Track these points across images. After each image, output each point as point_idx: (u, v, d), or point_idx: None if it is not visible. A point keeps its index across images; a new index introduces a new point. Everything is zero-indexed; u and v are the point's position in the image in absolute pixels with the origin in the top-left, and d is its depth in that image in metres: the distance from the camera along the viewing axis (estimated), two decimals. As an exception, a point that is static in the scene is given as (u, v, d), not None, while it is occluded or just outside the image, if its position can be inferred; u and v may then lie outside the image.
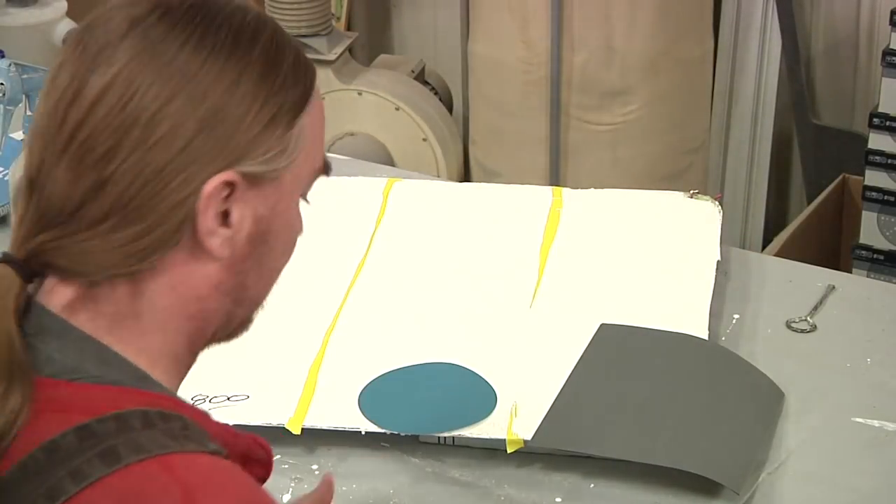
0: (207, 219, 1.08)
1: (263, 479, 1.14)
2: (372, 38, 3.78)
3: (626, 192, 2.11)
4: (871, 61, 3.30)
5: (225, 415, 1.61)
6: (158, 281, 1.08)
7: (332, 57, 3.24)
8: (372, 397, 1.69)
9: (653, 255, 1.95)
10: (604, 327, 1.79)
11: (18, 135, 2.08)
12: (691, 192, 2.09)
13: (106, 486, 1.00)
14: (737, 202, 3.39)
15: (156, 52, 1.06)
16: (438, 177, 3.13)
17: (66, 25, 3.47)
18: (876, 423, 1.69)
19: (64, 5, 3.51)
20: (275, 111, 1.10)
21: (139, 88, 1.06)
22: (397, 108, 3.26)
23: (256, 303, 1.16)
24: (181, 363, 1.12)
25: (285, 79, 1.11)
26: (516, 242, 1.99)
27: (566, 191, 2.10)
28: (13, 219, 1.92)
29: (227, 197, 1.08)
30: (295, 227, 1.16)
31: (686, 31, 3.02)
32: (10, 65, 1.93)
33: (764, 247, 3.19)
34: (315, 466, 1.64)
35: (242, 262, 1.11)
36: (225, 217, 1.09)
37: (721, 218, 2.02)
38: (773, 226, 3.39)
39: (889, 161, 2.92)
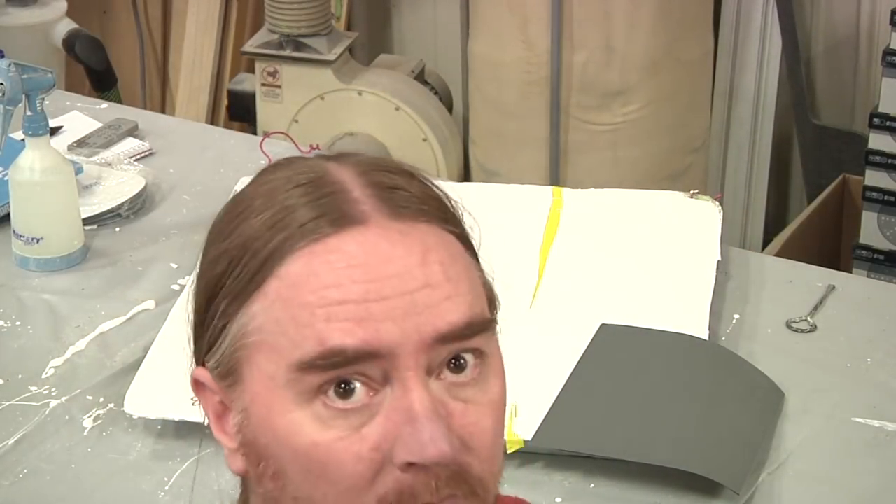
0: (210, 419, 0.94)
1: None
2: (372, 38, 3.78)
3: (626, 192, 2.11)
4: (871, 61, 3.29)
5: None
6: None
7: (332, 57, 3.24)
8: (372, 397, 1.68)
9: (653, 255, 1.95)
10: (604, 327, 1.79)
11: (18, 135, 2.08)
12: (691, 192, 2.08)
13: None
14: (737, 202, 3.39)
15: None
16: (438, 177, 3.11)
17: (66, 25, 3.47)
18: (876, 423, 1.69)
19: (64, 5, 3.51)
20: (225, 287, 0.91)
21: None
22: (397, 108, 3.26)
23: None
24: None
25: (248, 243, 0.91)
26: (516, 242, 1.99)
27: (566, 191, 2.10)
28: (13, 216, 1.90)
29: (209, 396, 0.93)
30: (295, 445, 0.86)
31: (686, 30, 3.01)
32: (10, 65, 1.92)
33: (764, 247, 3.18)
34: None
35: (259, 485, 0.91)
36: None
37: (721, 218, 2.01)
38: (773, 226, 3.39)
39: (889, 161, 2.92)
